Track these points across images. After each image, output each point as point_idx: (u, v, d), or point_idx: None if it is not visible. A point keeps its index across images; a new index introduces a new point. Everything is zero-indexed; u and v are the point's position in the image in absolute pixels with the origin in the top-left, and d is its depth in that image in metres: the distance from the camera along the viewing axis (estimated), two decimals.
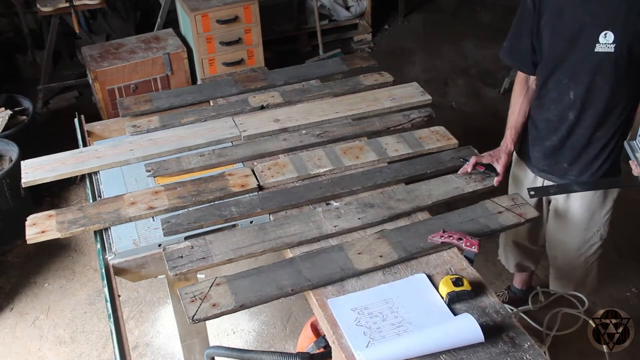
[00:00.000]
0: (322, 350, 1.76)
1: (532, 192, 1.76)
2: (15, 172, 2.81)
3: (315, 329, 2.03)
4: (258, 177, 2.09)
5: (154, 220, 1.96)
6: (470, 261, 1.78)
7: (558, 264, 2.30)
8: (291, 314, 2.81)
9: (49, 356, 2.67)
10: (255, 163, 2.20)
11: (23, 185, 2.14)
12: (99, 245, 1.91)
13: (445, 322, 1.53)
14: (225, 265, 1.78)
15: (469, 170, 2.03)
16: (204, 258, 1.75)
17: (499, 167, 2.02)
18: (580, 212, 2.08)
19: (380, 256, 1.75)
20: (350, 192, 2.04)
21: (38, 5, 3.72)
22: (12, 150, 3.22)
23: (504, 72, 4.42)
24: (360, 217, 1.91)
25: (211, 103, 2.58)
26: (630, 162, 1.80)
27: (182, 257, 1.75)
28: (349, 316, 1.58)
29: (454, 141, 2.27)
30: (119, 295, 1.82)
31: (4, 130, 3.34)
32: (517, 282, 2.77)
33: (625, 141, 1.80)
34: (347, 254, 1.77)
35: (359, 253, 1.77)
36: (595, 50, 1.72)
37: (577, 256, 2.21)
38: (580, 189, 1.79)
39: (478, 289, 1.65)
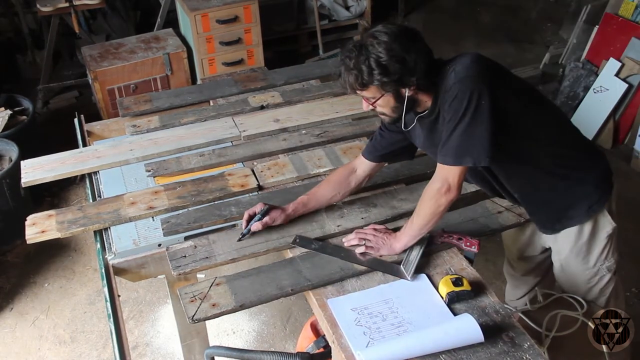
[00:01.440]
0: (322, 350, 1.76)
1: (298, 240, 1.78)
2: (15, 172, 2.81)
3: (315, 329, 2.02)
4: (258, 177, 2.09)
5: (153, 220, 1.96)
6: (470, 261, 1.78)
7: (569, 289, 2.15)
8: (291, 314, 2.81)
9: (49, 356, 2.67)
10: (255, 163, 2.20)
11: (23, 185, 2.14)
12: (98, 245, 1.91)
13: (445, 322, 1.53)
14: (225, 265, 1.78)
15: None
16: (207, 258, 1.75)
17: None
18: (574, 254, 1.95)
19: (380, 256, 1.75)
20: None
21: (38, 5, 3.72)
22: (12, 150, 3.22)
23: None
24: (364, 217, 1.91)
25: (211, 103, 2.58)
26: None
27: (185, 256, 1.75)
28: (348, 316, 1.58)
29: None
30: (119, 295, 1.82)
31: (4, 130, 3.34)
32: None
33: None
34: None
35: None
36: None
37: (589, 287, 2.08)
38: (335, 254, 1.73)
39: (478, 289, 1.65)
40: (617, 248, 1.98)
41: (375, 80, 1.56)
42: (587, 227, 1.84)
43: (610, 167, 1.89)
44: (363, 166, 1.91)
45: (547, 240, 1.96)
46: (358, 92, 1.64)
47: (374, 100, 1.64)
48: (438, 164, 1.64)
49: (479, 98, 1.53)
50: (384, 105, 1.65)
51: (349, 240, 1.81)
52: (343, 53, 1.63)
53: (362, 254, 1.76)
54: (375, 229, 1.80)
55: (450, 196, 1.63)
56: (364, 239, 1.78)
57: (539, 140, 1.71)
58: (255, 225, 1.81)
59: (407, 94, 1.62)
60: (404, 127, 1.77)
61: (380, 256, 1.76)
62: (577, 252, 1.90)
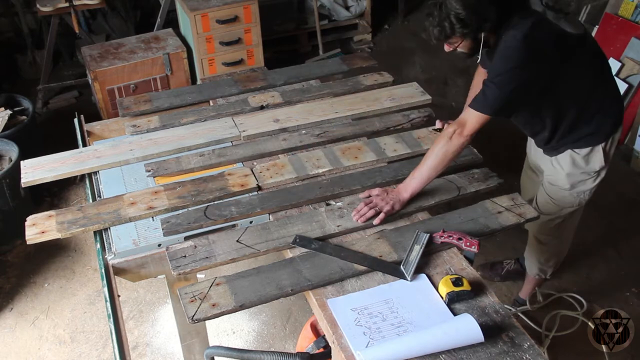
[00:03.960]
0: (321, 350, 1.77)
1: (298, 240, 1.82)
2: (15, 172, 2.81)
3: (315, 329, 2.03)
4: (257, 177, 2.09)
5: (153, 220, 1.96)
6: (470, 261, 1.78)
7: (534, 227, 2.43)
8: (291, 314, 2.81)
9: (49, 356, 2.67)
10: (254, 163, 2.20)
11: (23, 185, 2.14)
12: (98, 246, 1.91)
13: (445, 322, 1.53)
14: (225, 265, 1.78)
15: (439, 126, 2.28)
16: (207, 257, 1.75)
17: None
18: (564, 181, 2.22)
19: (380, 256, 1.75)
20: (350, 192, 2.04)
21: (38, 5, 3.72)
22: (12, 150, 3.22)
23: None
24: None
25: (211, 103, 2.58)
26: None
27: (185, 256, 1.75)
28: (348, 316, 1.58)
29: None
30: (118, 295, 1.82)
31: (4, 130, 3.34)
32: (523, 292, 2.78)
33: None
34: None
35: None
36: None
37: (561, 208, 2.32)
38: (335, 254, 1.76)
39: (478, 289, 1.65)
40: (596, 189, 2.25)
41: (456, 32, 1.86)
42: (582, 156, 2.13)
43: (622, 116, 2.18)
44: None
45: (545, 163, 2.27)
46: (442, 40, 1.93)
47: (457, 45, 1.94)
48: (465, 107, 1.95)
49: (515, 67, 1.82)
50: (464, 47, 1.96)
51: (363, 215, 1.88)
52: (428, 10, 1.91)
53: (360, 253, 1.77)
54: (377, 195, 1.93)
55: (462, 139, 1.88)
56: (374, 207, 1.88)
57: (571, 92, 2.01)
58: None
59: (482, 36, 1.91)
60: (478, 61, 2.09)
61: (396, 212, 1.90)
62: (566, 173, 2.18)
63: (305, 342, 1.96)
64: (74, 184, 3.54)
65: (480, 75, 2.30)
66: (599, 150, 2.13)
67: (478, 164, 2.20)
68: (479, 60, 2.06)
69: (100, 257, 1.87)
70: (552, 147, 2.18)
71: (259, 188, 2.06)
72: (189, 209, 1.96)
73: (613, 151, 2.18)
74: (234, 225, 1.95)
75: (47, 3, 3.70)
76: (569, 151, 2.15)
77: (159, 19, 4.07)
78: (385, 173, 2.12)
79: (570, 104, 2.04)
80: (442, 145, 1.89)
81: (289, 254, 1.82)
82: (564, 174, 2.20)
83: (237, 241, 1.81)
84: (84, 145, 2.37)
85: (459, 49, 1.96)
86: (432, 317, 1.57)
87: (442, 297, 1.63)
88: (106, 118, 3.24)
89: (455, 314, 1.58)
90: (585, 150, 2.13)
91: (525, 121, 2.18)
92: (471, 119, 1.88)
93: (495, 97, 1.85)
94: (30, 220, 1.94)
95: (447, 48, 1.97)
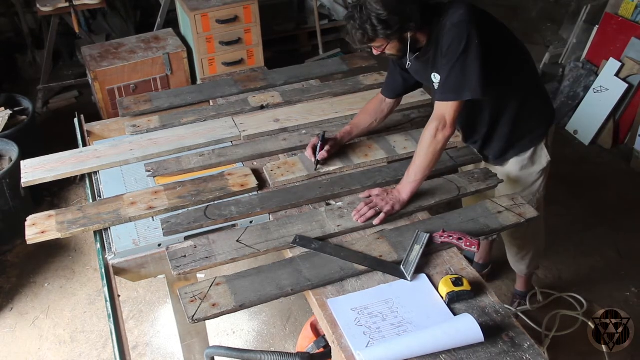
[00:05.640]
0: (321, 350, 1.77)
1: (298, 240, 1.82)
2: (15, 172, 2.81)
3: (315, 329, 2.03)
4: (268, 176, 2.09)
5: (153, 220, 1.96)
6: (470, 261, 1.78)
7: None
8: (291, 314, 2.81)
9: (49, 356, 2.67)
10: (266, 162, 2.19)
11: (23, 185, 2.14)
12: (98, 245, 1.91)
13: (445, 322, 1.53)
14: (225, 265, 1.78)
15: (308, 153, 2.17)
16: (207, 257, 1.75)
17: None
18: (512, 182, 2.23)
19: (380, 256, 1.75)
20: (350, 192, 2.04)
21: (38, 5, 3.72)
22: (12, 150, 3.22)
23: None
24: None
25: (211, 103, 2.58)
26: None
27: (185, 256, 1.75)
28: (348, 316, 1.58)
29: (459, 138, 2.27)
30: (118, 295, 1.82)
31: (4, 130, 3.34)
32: (518, 284, 2.78)
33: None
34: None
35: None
36: (434, 84, 1.98)
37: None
38: (335, 254, 1.76)
39: (478, 288, 1.65)
40: (548, 184, 2.28)
41: (379, 34, 1.79)
42: (527, 158, 2.15)
43: (554, 114, 2.22)
44: (388, 100, 2.22)
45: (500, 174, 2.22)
46: (366, 44, 1.87)
47: (382, 48, 1.89)
48: (436, 104, 1.88)
49: (472, 39, 1.76)
50: (391, 49, 1.90)
51: (363, 215, 1.87)
52: (347, 14, 1.84)
53: (360, 253, 1.77)
54: (377, 195, 1.93)
55: (447, 132, 1.86)
56: (374, 207, 1.88)
57: (512, 83, 2.01)
58: (322, 154, 2.10)
59: (409, 36, 1.86)
60: (406, 66, 2.02)
61: (396, 213, 1.89)
62: (515, 179, 2.20)
63: (305, 342, 1.96)
64: (74, 184, 3.54)
65: (376, 100, 2.24)
66: (542, 147, 2.15)
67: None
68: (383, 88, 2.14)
69: (101, 257, 1.87)
70: (495, 156, 2.18)
71: (259, 187, 2.06)
72: (189, 209, 1.96)
73: (552, 140, 2.20)
74: (234, 225, 1.95)
75: (47, 3, 3.70)
76: (513, 159, 2.16)
77: (159, 19, 4.07)
78: (385, 173, 2.12)
79: (513, 96, 2.03)
80: (429, 144, 1.87)
81: (289, 254, 1.82)
82: (512, 180, 2.21)
83: (237, 241, 1.81)
84: (84, 145, 2.38)
85: (387, 52, 1.91)
86: (432, 317, 1.57)
87: (442, 297, 1.63)
88: (106, 118, 3.24)
89: (455, 314, 1.58)
90: (529, 153, 2.15)
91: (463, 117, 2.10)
92: (447, 110, 1.85)
93: (470, 77, 1.80)
94: (30, 220, 1.94)
95: (375, 52, 1.92)
